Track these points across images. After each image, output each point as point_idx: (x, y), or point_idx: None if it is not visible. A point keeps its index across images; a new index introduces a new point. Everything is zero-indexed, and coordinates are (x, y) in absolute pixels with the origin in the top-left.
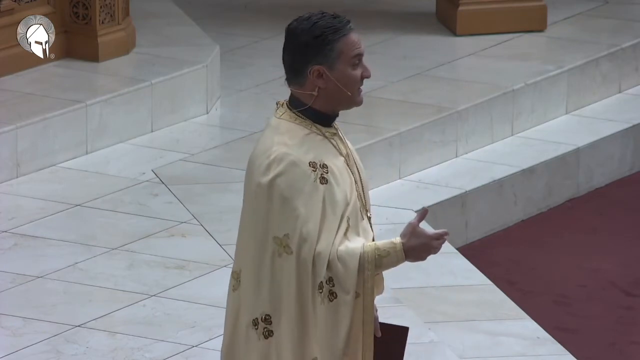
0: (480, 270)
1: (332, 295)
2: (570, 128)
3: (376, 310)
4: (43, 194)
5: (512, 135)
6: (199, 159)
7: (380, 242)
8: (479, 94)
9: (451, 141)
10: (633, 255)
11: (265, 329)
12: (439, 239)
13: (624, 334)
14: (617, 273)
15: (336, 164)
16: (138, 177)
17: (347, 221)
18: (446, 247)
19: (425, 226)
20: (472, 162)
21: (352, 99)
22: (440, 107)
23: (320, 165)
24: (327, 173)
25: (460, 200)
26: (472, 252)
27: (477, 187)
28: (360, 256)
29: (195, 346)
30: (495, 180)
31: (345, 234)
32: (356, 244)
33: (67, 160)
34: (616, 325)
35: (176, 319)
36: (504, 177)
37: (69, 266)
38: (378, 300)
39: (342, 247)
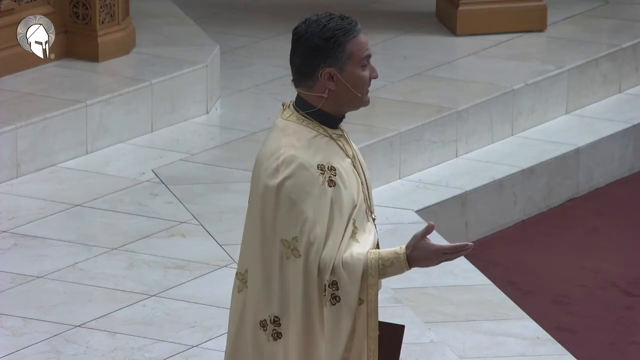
0: (480, 270)
1: (335, 299)
2: (570, 128)
3: None
4: (43, 194)
5: (512, 135)
6: (199, 159)
7: (385, 251)
8: (479, 94)
9: (451, 141)
10: (633, 255)
11: (274, 331)
12: (452, 253)
13: (624, 334)
14: (617, 273)
15: (343, 166)
16: (138, 177)
17: (354, 224)
18: None
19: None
20: (472, 162)
21: (362, 100)
22: (440, 107)
23: (328, 167)
24: (335, 175)
25: (460, 200)
26: (472, 252)
27: (477, 187)
28: (363, 265)
29: (195, 346)
30: (495, 180)
31: (353, 236)
32: (361, 250)
33: (67, 160)
34: (616, 325)
35: (176, 319)
36: (504, 177)
37: (68, 266)
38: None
39: (346, 254)
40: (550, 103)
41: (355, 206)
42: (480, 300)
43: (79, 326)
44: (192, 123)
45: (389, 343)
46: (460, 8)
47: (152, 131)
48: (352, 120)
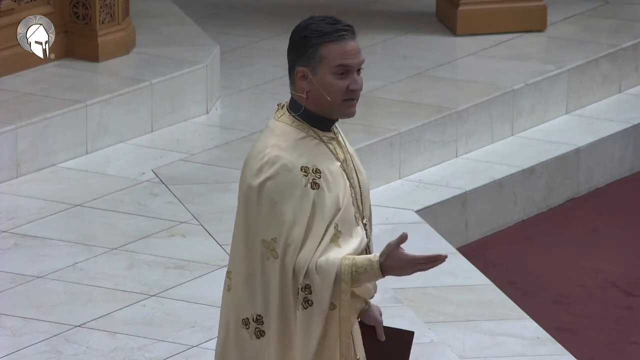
0: (480, 270)
1: (307, 302)
2: (570, 128)
3: (380, 314)
4: (43, 194)
5: (512, 135)
6: (199, 159)
7: (359, 258)
8: (479, 94)
9: (451, 141)
10: (633, 255)
11: (257, 329)
12: (426, 263)
13: (624, 334)
14: (617, 273)
15: (331, 168)
16: (138, 177)
17: (336, 228)
18: (446, 247)
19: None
20: (472, 162)
21: (335, 106)
22: (440, 107)
23: (312, 170)
24: (319, 178)
25: (460, 200)
26: (472, 252)
27: (477, 187)
28: (337, 270)
29: (195, 346)
30: (495, 180)
31: (335, 240)
32: (337, 255)
33: (67, 160)
34: (616, 325)
35: (176, 319)
36: (504, 177)
37: (68, 266)
38: (378, 300)
39: (322, 259)
40: (550, 103)
41: (339, 210)
42: (480, 300)
43: (79, 326)
44: (192, 123)
45: (397, 349)
46: (460, 8)
47: (152, 131)
48: (352, 120)
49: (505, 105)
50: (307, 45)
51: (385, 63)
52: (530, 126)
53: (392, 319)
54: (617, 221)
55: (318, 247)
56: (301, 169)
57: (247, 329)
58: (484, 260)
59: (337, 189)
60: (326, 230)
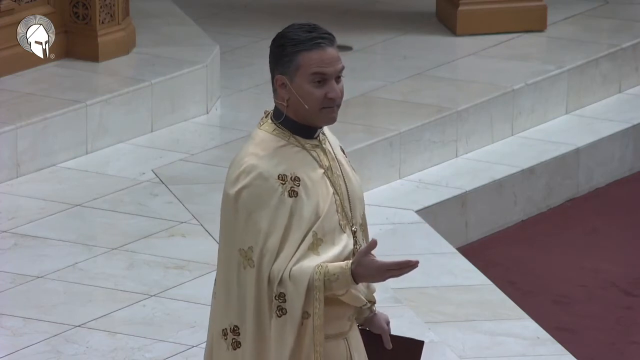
0: (480, 270)
1: (281, 311)
2: (570, 128)
3: (387, 323)
4: (43, 194)
5: (512, 135)
6: (199, 159)
7: (332, 265)
8: (479, 94)
9: (451, 141)
10: (633, 255)
11: (234, 340)
12: (398, 269)
13: (624, 334)
14: (617, 273)
15: (311, 176)
16: (138, 177)
17: (315, 236)
18: (446, 247)
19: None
20: (472, 162)
21: (314, 114)
22: (440, 107)
23: (291, 178)
24: (298, 186)
25: (460, 200)
26: (472, 252)
27: (477, 187)
28: (309, 278)
29: (195, 346)
30: (495, 180)
31: (314, 248)
32: (310, 263)
33: (67, 160)
34: (616, 325)
35: (176, 319)
36: (504, 177)
37: (68, 266)
38: (376, 299)
39: (296, 267)
40: (550, 103)
41: (319, 218)
42: (480, 300)
43: (79, 326)
44: (192, 123)
45: (405, 358)
46: (460, 8)
47: (152, 131)
48: (352, 120)
49: (505, 105)
50: (283, 53)
51: (385, 63)
52: (530, 126)
53: (391, 319)
54: (617, 221)
55: (294, 255)
56: (278, 178)
57: (225, 339)
58: (484, 260)
59: (317, 196)
60: (303, 239)
